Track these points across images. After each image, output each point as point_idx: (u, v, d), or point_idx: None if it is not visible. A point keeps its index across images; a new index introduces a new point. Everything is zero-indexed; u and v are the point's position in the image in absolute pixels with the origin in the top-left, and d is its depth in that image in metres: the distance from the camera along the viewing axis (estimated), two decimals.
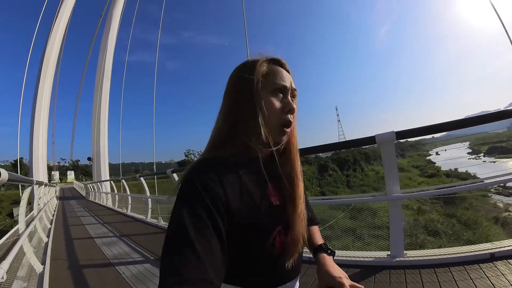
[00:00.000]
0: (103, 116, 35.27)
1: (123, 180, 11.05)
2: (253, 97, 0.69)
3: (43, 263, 3.94)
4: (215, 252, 0.53)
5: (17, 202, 4.31)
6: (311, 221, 0.91)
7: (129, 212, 9.37)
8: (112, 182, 13.75)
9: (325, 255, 0.78)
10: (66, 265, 4.12)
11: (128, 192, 10.18)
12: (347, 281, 0.65)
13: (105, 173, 33.32)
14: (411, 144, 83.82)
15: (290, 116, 0.73)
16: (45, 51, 30.30)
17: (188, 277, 0.48)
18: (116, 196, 12.14)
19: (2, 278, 2.24)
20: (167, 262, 0.50)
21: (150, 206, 7.74)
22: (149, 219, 7.47)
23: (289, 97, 0.74)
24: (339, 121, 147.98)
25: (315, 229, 0.92)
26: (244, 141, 0.69)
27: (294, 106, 0.74)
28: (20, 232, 3.72)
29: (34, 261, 3.64)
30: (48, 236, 6.01)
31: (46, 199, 10.38)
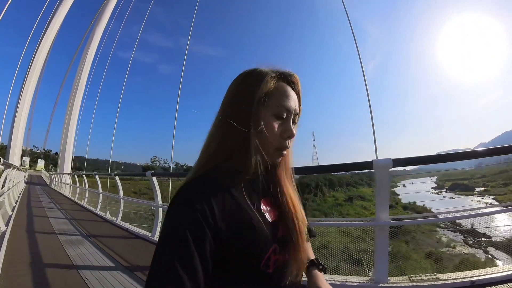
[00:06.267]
0: (74, 115, 38.04)
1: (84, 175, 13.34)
2: (252, 115, 0.66)
3: None
4: (197, 274, 0.51)
5: None
6: (309, 233, 0.89)
7: (98, 211, 8.81)
8: (72, 175, 16.72)
9: (317, 271, 0.78)
10: (23, 259, 3.74)
11: (100, 189, 9.64)
12: None
13: (67, 167, 36.54)
14: None
15: (288, 142, 0.70)
16: (39, 43, 31.42)
17: None
18: (77, 188, 13.62)
19: None
20: (149, 282, 0.50)
21: (122, 208, 7.32)
22: (119, 221, 7.01)
23: (290, 122, 0.71)
24: (314, 146, 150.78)
25: (307, 244, 0.89)
26: (237, 158, 0.66)
27: (294, 132, 0.71)
28: None
29: None
30: (6, 225, 5.51)
31: (13, 182, 9.87)
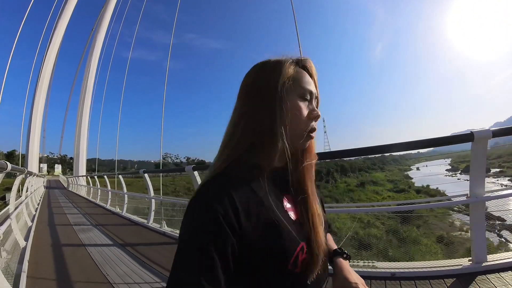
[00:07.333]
0: (85, 119, 39.95)
1: (95, 176, 14.76)
2: (276, 101, 0.63)
3: (26, 239, 4.78)
4: (219, 276, 0.51)
5: (9, 189, 5.15)
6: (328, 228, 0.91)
7: (108, 206, 10.16)
8: (87, 177, 18.04)
9: (342, 259, 0.76)
10: (45, 242, 5.01)
11: (109, 187, 11.07)
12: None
13: (82, 169, 38.72)
14: (394, 158, 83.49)
15: (315, 123, 0.69)
16: (46, 53, 32.49)
17: None
18: (91, 188, 15.31)
19: None
20: (172, 283, 0.50)
21: (126, 201, 8.60)
22: (124, 213, 8.27)
23: (314, 103, 0.70)
24: (325, 132, 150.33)
25: (329, 236, 0.90)
26: (261, 151, 0.65)
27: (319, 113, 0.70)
28: (9, 212, 4.55)
29: (19, 237, 4.46)
30: (32, 221, 6.86)
31: (34, 188, 11.47)
